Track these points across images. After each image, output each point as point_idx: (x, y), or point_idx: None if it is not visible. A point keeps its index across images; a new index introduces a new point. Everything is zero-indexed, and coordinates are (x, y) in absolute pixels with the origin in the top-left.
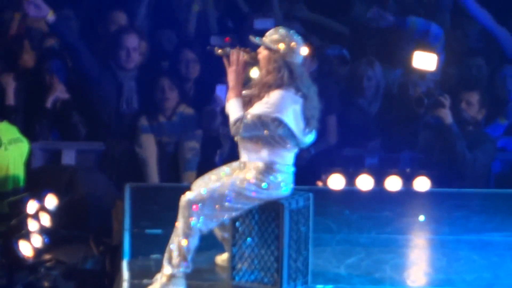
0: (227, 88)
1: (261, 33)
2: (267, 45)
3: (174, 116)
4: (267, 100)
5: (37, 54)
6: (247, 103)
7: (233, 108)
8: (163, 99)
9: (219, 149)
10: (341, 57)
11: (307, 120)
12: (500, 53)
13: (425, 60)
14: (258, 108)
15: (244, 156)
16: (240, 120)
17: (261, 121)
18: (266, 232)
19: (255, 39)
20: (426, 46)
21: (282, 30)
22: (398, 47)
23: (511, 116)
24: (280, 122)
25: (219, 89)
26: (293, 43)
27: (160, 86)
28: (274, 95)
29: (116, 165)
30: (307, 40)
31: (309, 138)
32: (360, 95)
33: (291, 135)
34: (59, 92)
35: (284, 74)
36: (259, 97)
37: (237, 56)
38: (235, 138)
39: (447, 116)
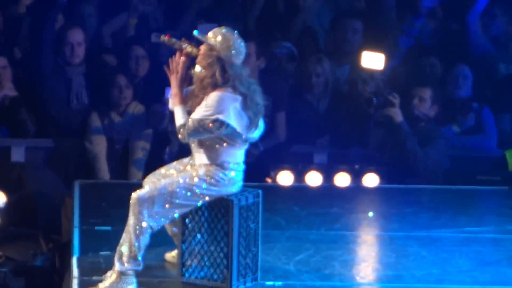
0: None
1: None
2: (204, 39)
3: (126, 113)
4: (205, 104)
5: None
6: (193, 98)
7: (177, 115)
8: (119, 97)
9: (168, 145)
10: (289, 54)
11: (249, 118)
12: (455, 52)
13: (373, 60)
14: (198, 112)
15: (195, 158)
16: (183, 126)
17: (202, 125)
18: (215, 229)
19: (197, 34)
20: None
21: (223, 29)
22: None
23: (464, 125)
24: (221, 123)
25: (167, 91)
26: (230, 41)
27: (117, 84)
28: (211, 97)
29: (65, 162)
30: (254, 39)
31: (255, 133)
32: (308, 91)
33: (236, 133)
34: (7, 90)
35: (216, 70)
36: (197, 98)
37: (176, 63)
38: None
39: (397, 115)
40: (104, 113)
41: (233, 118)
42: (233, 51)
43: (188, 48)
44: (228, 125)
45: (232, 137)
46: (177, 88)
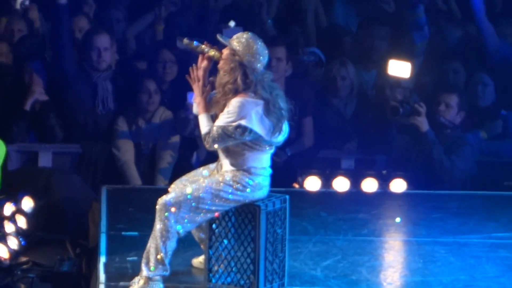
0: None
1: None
2: (227, 43)
3: (153, 119)
4: (227, 110)
5: (15, 53)
6: (216, 104)
7: (201, 123)
8: (148, 103)
9: (195, 150)
10: (317, 60)
11: (272, 123)
12: (477, 58)
13: (399, 68)
14: (220, 119)
15: (222, 164)
16: (208, 134)
17: (226, 132)
18: (242, 234)
19: (220, 38)
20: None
21: (247, 34)
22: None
23: (492, 131)
24: (244, 129)
25: (190, 96)
26: (253, 47)
27: (146, 89)
28: (233, 103)
29: (92, 167)
30: (281, 45)
31: (280, 137)
32: (334, 95)
33: (260, 138)
34: (38, 94)
35: (238, 76)
36: (220, 104)
37: (197, 72)
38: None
39: (422, 124)
40: (131, 118)
41: (256, 123)
42: (256, 57)
43: (210, 52)
44: (251, 131)
45: (257, 142)
46: (200, 96)
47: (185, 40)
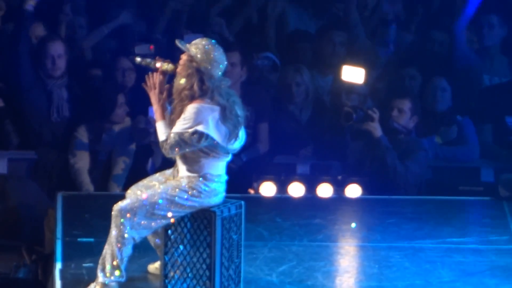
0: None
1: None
2: (184, 49)
3: (113, 127)
4: (183, 116)
5: None
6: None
7: (159, 131)
8: (117, 114)
9: (151, 157)
10: (271, 65)
11: (229, 130)
12: (433, 64)
13: (353, 74)
14: (177, 126)
15: (178, 170)
16: (165, 141)
17: (182, 139)
18: (198, 240)
19: (178, 43)
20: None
21: (206, 40)
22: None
23: (447, 137)
24: (201, 135)
25: (151, 110)
26: (211, 53)
27: (117, 102)
28: (189, 110)
29: (48, 174)
30: (236, 50)
31: (236, 144)
32: (290, 101)
33: (217, 144)
34: None
35: (195, 82)
36: (176, 110)
37: (153, 79)
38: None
39: (376, 130)
40: (93, 128)
41: (212, 129)
42: (213, 64)
43: (163, 66)
44: (207, 136)
45: (213, 148)
46: (156, 104)
47: (137, 59)
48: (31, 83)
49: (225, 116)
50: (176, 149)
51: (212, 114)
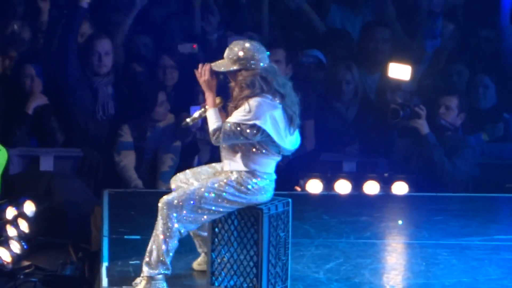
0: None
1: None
2: (229, 71)
3: (157, 125)
4: (244, 108)
5: (15, 57)
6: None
7: (210, 119)
8: (159, 114)
9: (197, 154)
10: (317, 62)
11: (290, 118)
12: (478, 60)
13: (400, 71)
14: (235, 116)
15: (225, 164)
16: (219, 130)
17: (239, 129)
18: (245, 238)
19: (216, 69)
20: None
21: (237, 47)
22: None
23: (494, 134)
24: (258, 129)
25: (193, 110)
26: (252, 55)
27: (158, 100)
28: (251, 103)
29: (93, 171)
30: (280, 47)
31: (291, 144)
32: (337, 99)
33: (271, 141)
34: (38, 99)
35: (258, 85)
36: (236, 107)
37: (203, 67)
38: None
39: (423, 126)
40: (137, 127)
41: (270, 125)
42: (259, 59)
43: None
44: (264, 131)
45: (265, 145)
46: (208, 90)
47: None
48: (78, 80)
49: (286, 105)
50: (230, 139)
51: (273, 111)
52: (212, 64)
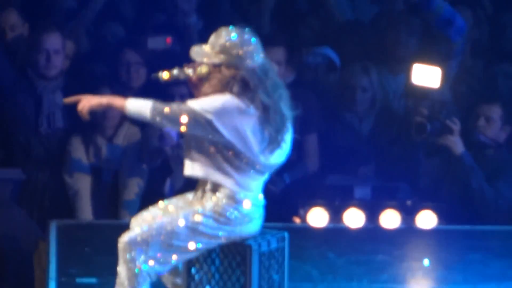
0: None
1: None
2: (209, 62)
3: (116, 137)
4: (208, 98)
5: None
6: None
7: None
8: (105, 117)
9: (168, 176)
10: (327, 63)
11: (269, 136)
12: None
13: (426, 75)
14: (197, 103)
15: (186, 168)
16: (157, 106)
17: (195, 119)
18: (229, 281)
19: (194, 55)
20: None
21: (223, 37)
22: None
23: None
24: (213, 128)
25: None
26: (238, 50)
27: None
28: (220, 96)
29: (38, 197)
30: (279, 45)
31: (277, 157)
32: (350, 109)
33: (245, 154)
34: None
35: (235, 90)
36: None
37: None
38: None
39: (456, 144)
40: (87, 138)
41: (232, 132)
42: (248, 58)
43: (202, 69)
44: (221, 135)
45: (236, 153)
46: (105, 102)
47: (161, 74)
48: (15, 84)
49: (268, 118)
50: (189, 124)
51: (240, 119)
52: (193, 50)
